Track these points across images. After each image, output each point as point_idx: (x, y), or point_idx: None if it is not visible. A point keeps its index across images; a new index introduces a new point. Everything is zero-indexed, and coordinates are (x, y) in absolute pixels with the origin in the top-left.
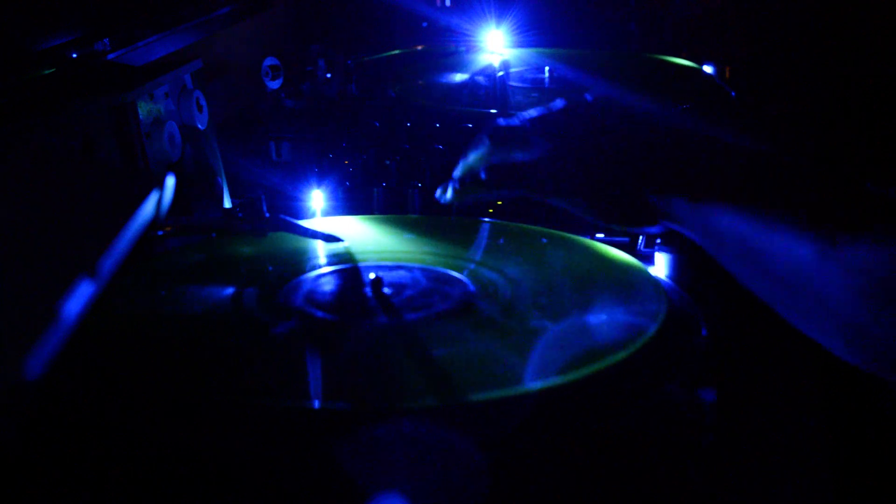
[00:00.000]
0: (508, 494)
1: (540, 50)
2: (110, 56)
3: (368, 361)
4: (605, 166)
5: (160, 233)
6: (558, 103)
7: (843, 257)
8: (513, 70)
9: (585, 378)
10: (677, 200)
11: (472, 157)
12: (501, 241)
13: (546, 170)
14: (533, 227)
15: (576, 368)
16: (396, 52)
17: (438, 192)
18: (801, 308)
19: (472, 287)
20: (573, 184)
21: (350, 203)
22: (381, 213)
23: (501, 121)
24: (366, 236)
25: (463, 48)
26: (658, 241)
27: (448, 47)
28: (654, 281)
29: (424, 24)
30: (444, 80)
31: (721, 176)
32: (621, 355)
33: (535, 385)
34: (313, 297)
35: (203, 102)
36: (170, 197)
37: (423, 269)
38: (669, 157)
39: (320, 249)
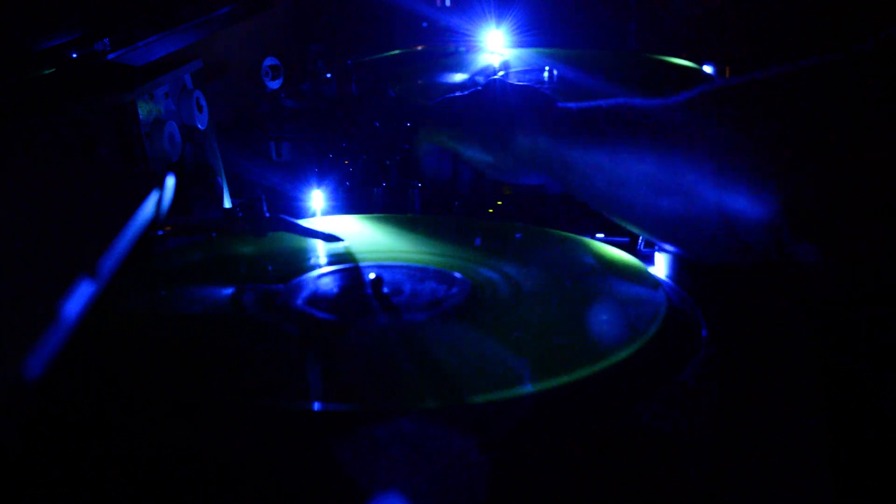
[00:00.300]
0: (508, 494)
1: (540, 50)
2: (110, 56)
3: (368, 361)
4: (488, 115)
5: (160, 233)
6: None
7: (623, 160)
8: (513, 70)
9: (585, 378)
10: (542, 138)
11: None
12: (518, 236)
13: (456, 121)
14: (532, 227)
15: (576, 368)
16: (396, 52)
17: None
18: (618, 204)
19: (471, 287)
20: (467, 131)
21: (350, 203)
22: (381, 213)
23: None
24: (366, 236)
25: (463, 48)
26: None
27: (448, 47)
28: (654, 281)
29: (424, 24)
30: (444, 80)
31: (562, 122)
32: (621, 355)
33: (535, 385)
34: (313, 297)
35: (203, 102)
36: (170, 197)
37: (422, 269)
38: (534, 108)
39: (320, 249)
